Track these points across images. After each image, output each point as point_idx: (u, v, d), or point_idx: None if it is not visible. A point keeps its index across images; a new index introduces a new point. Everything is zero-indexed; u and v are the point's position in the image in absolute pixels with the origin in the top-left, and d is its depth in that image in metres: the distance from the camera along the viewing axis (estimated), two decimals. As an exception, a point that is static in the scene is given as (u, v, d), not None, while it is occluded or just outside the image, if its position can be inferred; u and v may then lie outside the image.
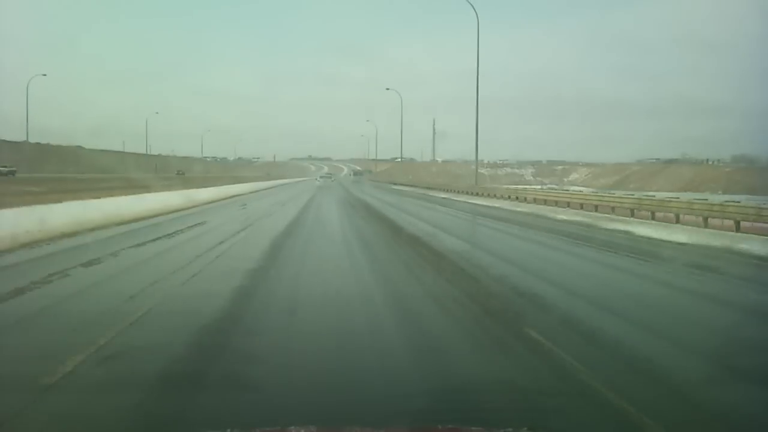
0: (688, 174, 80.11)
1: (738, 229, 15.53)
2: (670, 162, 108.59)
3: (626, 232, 16.16)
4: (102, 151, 67.23)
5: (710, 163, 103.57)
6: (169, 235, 13.89)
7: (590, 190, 47.53)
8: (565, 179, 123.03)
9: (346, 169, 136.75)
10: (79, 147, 69.19)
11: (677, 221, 18.21)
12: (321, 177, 69.43)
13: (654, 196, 29.07)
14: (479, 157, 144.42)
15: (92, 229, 13.61)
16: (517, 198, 33.04)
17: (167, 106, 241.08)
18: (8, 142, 52.08)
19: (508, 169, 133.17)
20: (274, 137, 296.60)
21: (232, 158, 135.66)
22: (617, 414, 3.63)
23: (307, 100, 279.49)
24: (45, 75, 74.66)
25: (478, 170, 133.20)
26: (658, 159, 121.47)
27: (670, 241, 13.99)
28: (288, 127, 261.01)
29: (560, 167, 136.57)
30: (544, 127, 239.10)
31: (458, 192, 44.93)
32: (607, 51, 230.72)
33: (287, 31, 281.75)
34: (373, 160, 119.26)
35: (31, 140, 58.98)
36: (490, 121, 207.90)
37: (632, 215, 20.91)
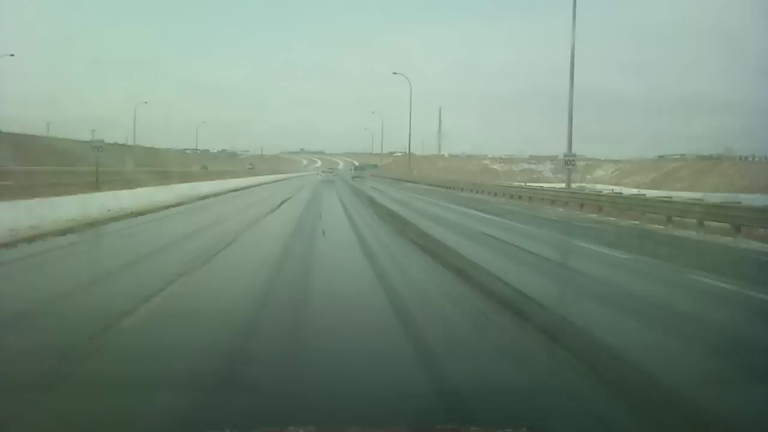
0: (750, 171, 65.41)
1: None
2: (704, 158, 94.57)
3: None
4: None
5: (756, 159, 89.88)
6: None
7: (661, 192, 33.38)
8: (589, 176, 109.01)
9: (341, 164, 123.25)
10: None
11: None
12: (323, 172, 69.46)
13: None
14: (485, 152, 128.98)
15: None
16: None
17: (148, 95, 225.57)
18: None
19: (524, 165, 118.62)
20: (265, 130, 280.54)
21: (215, 150, 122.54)
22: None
23: (299, 92, 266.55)
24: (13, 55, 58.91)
25: (490, 166, 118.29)
26: (683, 155, 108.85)
27: None
28: (279, 120, 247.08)
29: (582, 163, 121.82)
30: (550, 123, 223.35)
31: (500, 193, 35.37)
32: (615, 45, 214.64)
33: (279, 21, 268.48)
34: (370, 153, 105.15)
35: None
36: (493, 117, 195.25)
37: None
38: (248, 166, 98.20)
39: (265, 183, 51.38)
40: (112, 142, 66.00)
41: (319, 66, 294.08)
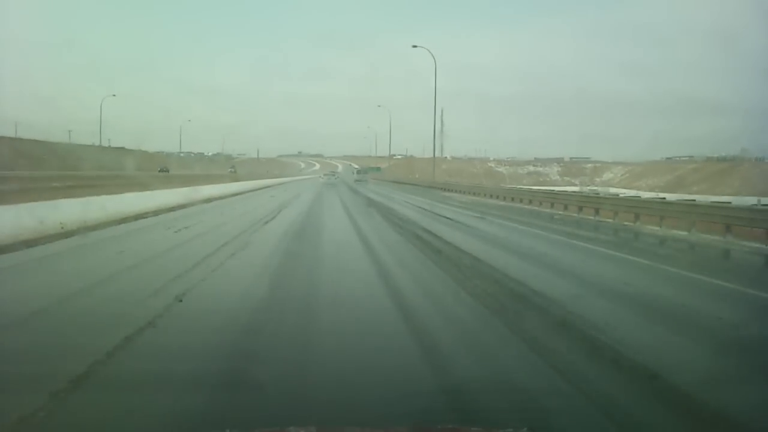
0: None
1: None
2: (720, 160, 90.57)
3: None
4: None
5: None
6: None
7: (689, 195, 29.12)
8: (597, 179, 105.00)
9: (340, 167, 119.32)
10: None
11: None
12: (325, 175, 69.27)
13: None
14: (485, 154, 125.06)
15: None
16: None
17: (141, 96, 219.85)
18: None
19: (530, 168, 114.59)
20: (263, 132, 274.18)
21: (210, 153, 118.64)
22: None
23: (298, 94, 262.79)
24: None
25: (494, 168, 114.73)
26: (691, 156, 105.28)
27: None
28: (277, 122, 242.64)
29: (590, 165, 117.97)
30: (552, 125, 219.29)
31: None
32: (617, 45, 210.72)
33: (276, 22, 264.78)
34: (369, 156, 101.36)
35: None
36: (493, 119, 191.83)
37: None
38: (229, 169, 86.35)
39: (239, 194, 33.45)
40: (88, 143, 62.13)
41: (318, 68, 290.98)
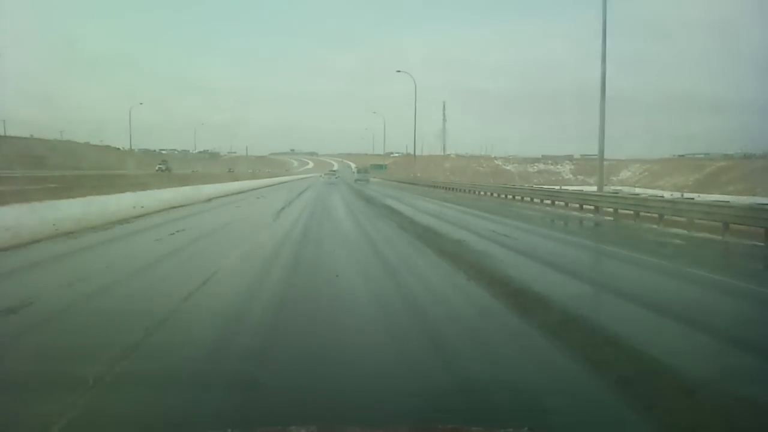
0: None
1: None
2: (749, 156, 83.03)
3: None
4: None
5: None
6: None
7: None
8: (614, 178, 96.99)
9: (336, 165, 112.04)
10: None
11: None
12: (325, 174, 69.65)
13: None
14: (487, 152, 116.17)
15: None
16: None
17: (128, 93, 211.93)
18: None
19: (541, 166, 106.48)
20: (254, 130, 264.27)
21: (195, 151, 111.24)
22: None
23: (290, 91, 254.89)
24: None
25: (502, 167, 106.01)
26: (707, 154, 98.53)
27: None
28: (269, 120, 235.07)
29: (605, 163, 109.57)
30: (557, 122, 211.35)
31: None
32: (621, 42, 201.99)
33: (268, 17, 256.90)
34: (366, 155, 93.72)
35: None
36: (494, 116, 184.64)
37: None
38: (158, 167, 63.20)
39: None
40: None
41: (313, 64, 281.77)
